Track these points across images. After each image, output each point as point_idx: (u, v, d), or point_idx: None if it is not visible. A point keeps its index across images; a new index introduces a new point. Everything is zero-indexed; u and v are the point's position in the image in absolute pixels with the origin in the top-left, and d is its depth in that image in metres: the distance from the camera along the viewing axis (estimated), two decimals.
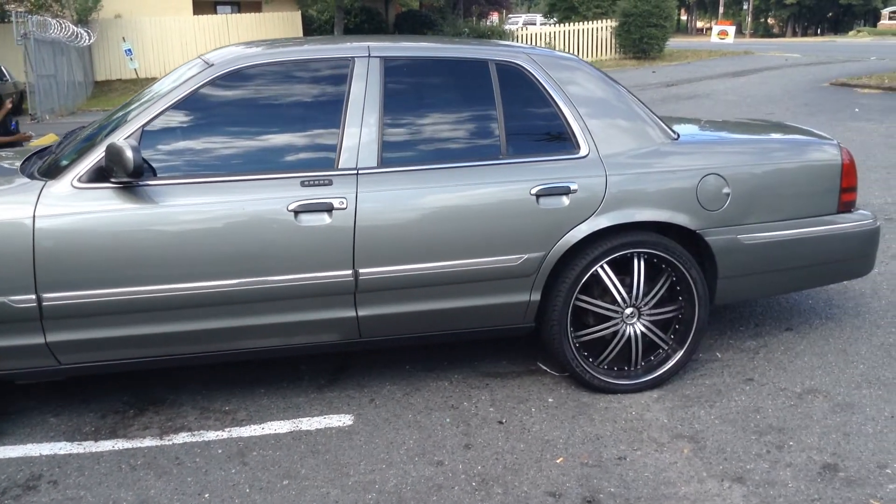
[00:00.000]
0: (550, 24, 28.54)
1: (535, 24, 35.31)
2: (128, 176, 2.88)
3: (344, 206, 3.14)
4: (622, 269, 3.48)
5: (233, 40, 23.38)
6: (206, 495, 2.78)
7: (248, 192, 3.10)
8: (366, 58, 3.35)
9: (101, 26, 25.51)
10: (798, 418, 3.23)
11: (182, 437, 3.18)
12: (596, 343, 3.53)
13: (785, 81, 15.71)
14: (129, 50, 23.52)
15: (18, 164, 3.49)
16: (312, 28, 28.06)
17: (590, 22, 25.94)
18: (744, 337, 4.07)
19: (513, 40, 25.00)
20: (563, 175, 3.35)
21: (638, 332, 3.51)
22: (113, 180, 2.95)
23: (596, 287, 3.47)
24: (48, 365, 3.07)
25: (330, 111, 3.28)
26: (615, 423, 3.28)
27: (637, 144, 3.50)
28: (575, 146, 3.43)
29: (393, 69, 3.37)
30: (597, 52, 25.43)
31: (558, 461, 3.00)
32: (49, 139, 8.25)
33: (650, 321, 3.53)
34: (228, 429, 3.24)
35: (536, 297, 3.41)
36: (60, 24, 19.74)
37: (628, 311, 3.49)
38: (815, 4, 64.39)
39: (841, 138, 9.35)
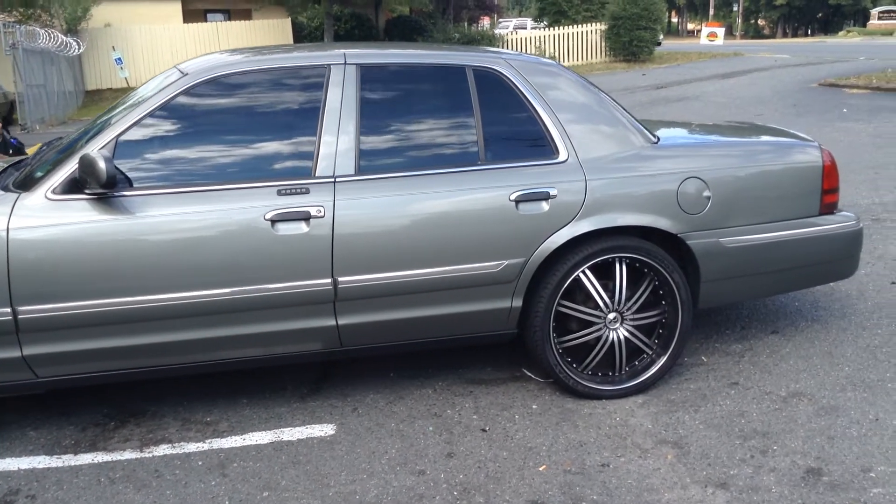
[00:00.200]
0: (540, 28, 28.59)
1: (525, 28, 35.35)
2: (101, 187, 2.86)
3: (321, 214, 3.11)
4: (604, 274, 3.46)
5: (223, 48, 23.35)
6: None
7: (224, 201, 3.08)
8: (342, 65, 3.34)
9: (90, 35, 25.48)
10: (782, 422, 3.22)
11: (162, 450, 3.14)
12: (580, 348, 3.51)
13: (774, 82, 15.74)
14: (120, 59, 23.48)
15: None
16: (303, 35, 28.05)
17: (579, 25, 25.99)
18: (729, 340, 4.05)
19: (502, 44, 25.04)
20: (543, 180, 3.34)
21: (621, 337, 3.50)
22: (87, 191, 2.93)
23: (578, 292, 3.46)
24: (25, 378, 3.04)
25: (306, 119, 3.26)
26: (599, 429, 3.26)
27: (617, 149, 3.48)
28: (554, 151, 3.41)
29: (369, 76, 3.36)
30: (587, 56, 25.49)
31: (541, 469, 2.97)
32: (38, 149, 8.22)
33: (633, 326, 3.51)
34: (209, 440, 3.21)
35: (518, 303, 3.39)
36: (49, 33, 19.68)
37: (611, 315, 3.47)
38: (805, 5, 64.66)
39: (829, 139, 9.44)
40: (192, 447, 3.16)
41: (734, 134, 4.23)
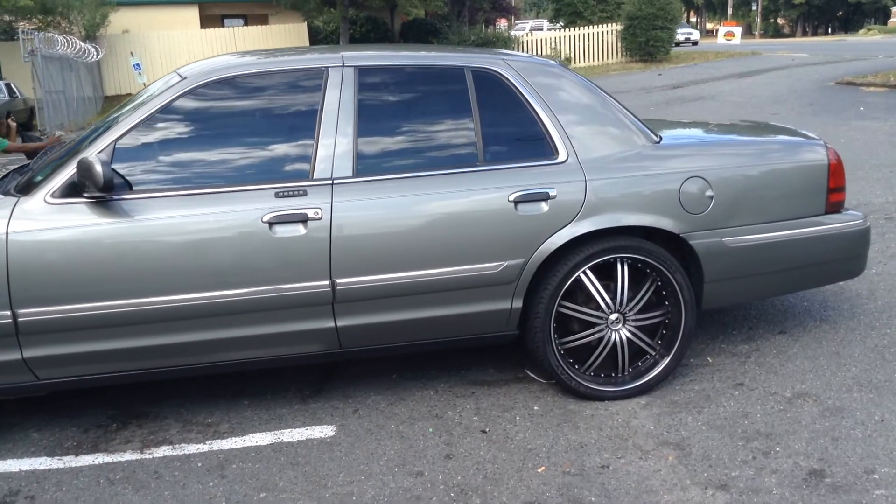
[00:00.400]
0: (556, 30, 28.53)
1: (541, 29, 35.29)
2: (99, 191, 2.88)
3: (319, 216, 3.12)
4: (606, 274, 3.44)
5: None
6: None
7: (222, 204, 3.09)
8: (339, 67, 3.34)
9: (109, 42, 25.74)
10: (786, 423, 3.18)
11: (163, 451, 3.16)
12: (581, 349, 3.49)
13: (791, 81, 15.59)
14: (138, 64, 23.69)
15: None
16: (319, 39, 28.19)
17: (595, 26, 25.90)
18: (736, 341, 4.01)
19: (518, 46, 25.02)
20: (542, 181, 3.32)
21: (623, 337, 3.47)
22: (86, 195, 2.94)
23: (579, 293, 3.43)
24: (26, 380, 3.06)
25: (304, 121, 3.26)
26: (600, 430, 3.23)
27: (617, 148, 3.46)
28: (553, 152, 3.39)
29: (367, 78, 3.36)
30: (603, 56, 25.40)
31: (540, 470, 2.96)
32: None
33: (636, 327, 3.48)
34: (210, 441, 3.22)
35: (518, 304, 3.37)
36: (68, 40, 19.91)
37: (613, 316, 3.45)
38: (825, 3, 64.09)
39: (845, 137, 9.34)
40: (192, 448, 3.17)
41: (738, 133, 4.18)
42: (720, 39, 31.47)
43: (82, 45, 21.36)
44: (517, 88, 3.45)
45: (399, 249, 3.20)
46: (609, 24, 25.61)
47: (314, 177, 3.19)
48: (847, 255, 3.73)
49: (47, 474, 3.01)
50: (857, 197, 6.60)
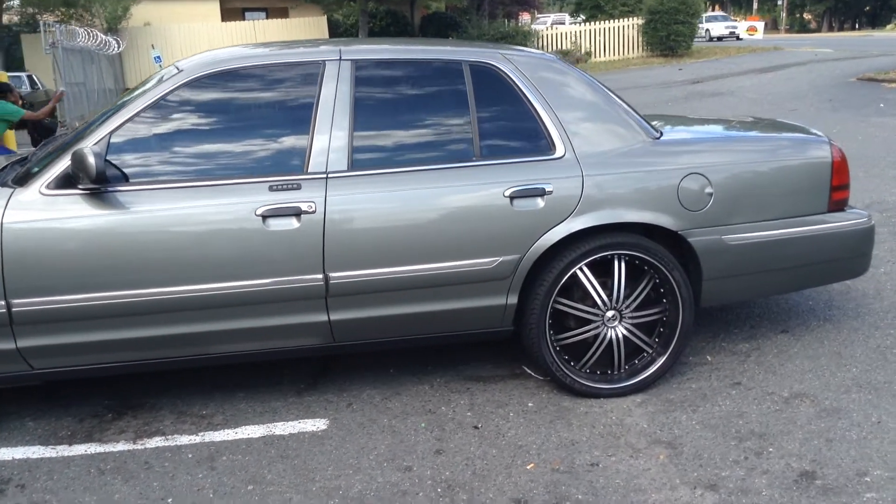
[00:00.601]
0: (577, 24, 28.36)
1: (563, 23, 35.09)
2: (91, 182, 2.90)
3: (312, 209, 3.11)
4: (603, 271, 3.41)
5: None
6: (170, 500, 2.78)
7: (216, 196, 3.09)
8: (336, 60, 3.33)
9: (130, 34, 25.96)
10: (781, 423, 3.14)
11: (155, 442, 3.18)
12: (577, 346, 3.46)
13: (812, 77, 15.39)
14: (159, 57, 23.85)
15: None
16: (339, 32, 28.24)
17: (616, 20, 25.72)
18: (737, 339, 3.97)
19: (538, 40, 24.91)
20: (538, 176, 3.30)
21: (620, 335, 3.44)
22: (80, 187, 2.96)
23: (576, 289, 3.41)
24: (20, 370, 3.09)
25: (300, 115, 3.26)
26: (593, 428, 3.21)
27: (616, 144, 3.43)
28: (550, 147, 3.37)
29: (364, 71, 3.35)
30: (624, 51, 25.23)
31: (529, 467, 2.94)
32: None
33: (632, 324, 3.45)
34: (202, 433, 3.23)
35: (513, 300, 3.36)
36: (89, 32, 20.08)
37: (609, 313, 3.42)
38: None
39: (863, 134, 9.21)
40: (184, 440, 3.18)
41: (740, 130, 4.13)
42: (742, 34, 31.21)
43: (103, 37, 21.54)
44: (515, 83, 3.42)
45: (393, 244, 3.20)
46: (630, 19, 25.41)
47: (309, 170, 3.19)
48: (850, 254, 3.67)
49: (39, 463, 3.04)
50: (870, 195, 6.51)
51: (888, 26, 51.71)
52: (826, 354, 3.71)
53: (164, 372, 3.59)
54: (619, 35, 25.30)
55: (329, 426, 3.27)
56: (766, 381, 3.50)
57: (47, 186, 3.02)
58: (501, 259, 3.27)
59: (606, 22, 25.83)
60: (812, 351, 3.75)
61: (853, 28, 66.15)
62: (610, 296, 3.40)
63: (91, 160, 2.84)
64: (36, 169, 3.14)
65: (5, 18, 25.74)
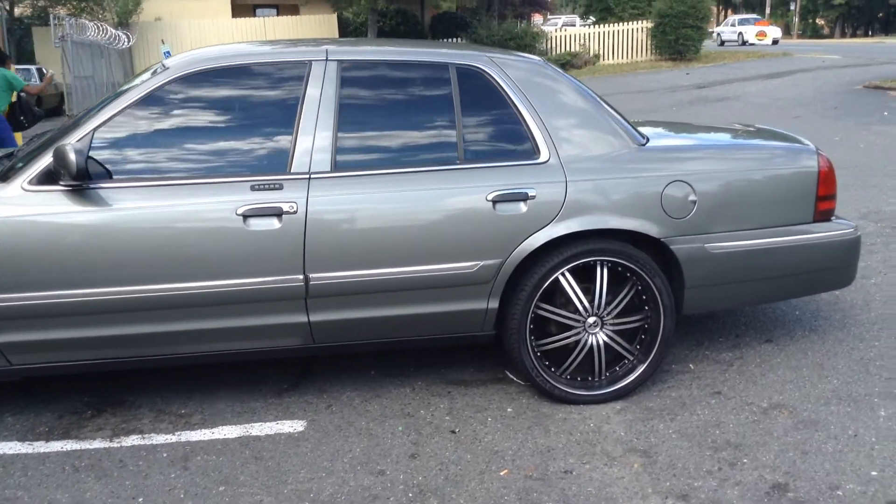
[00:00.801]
0: (587, 26, 28.30)
1: (574, 25, 35.01)
2: (72, 179, 2.91)
3: (294, 210, 3.12)
4: (585, 277, 3.40)
5: None
6: (140, 499, 2.79)
7: (197, 195, 3.10)
8: (323, 61, 3.33)
9: (141, 29, 26.03)
10: (758, 434, 3.12)
11: (132, 440, 3.19)
12: (558, 352, 3.46)
13: (818, 84, 15.33)
14: (168, 52, 23.86)
15: None
16: (349, 30, 28.27)
17: (626, 23, 25.64)
18: (721, 348, 3.95)
19: (546, 42, 24.86)
20: (522, 181, 3.29)
21: (601, 341, 3.43)
22: (62, 183, 2.98)
23: (558, 295, 3.40)
24: None
25: (284, 115, 3.26)
26: (570, 435, 3.20)
27: (601, 150, 3.42)
28: (535, 151, 3.36)
29: (350, 72, 3.35)
30: (632, 54, 25.14)
31: (502, 473, 2.94)
32: None
33: (614, 331, 3.44)
34: (179, 432, 3.24)
35: (494, 304, 3.35)
36: (99, 26, 20.17)
37: (591, 320, 3.41)
38: (865, 4, 62.80)
39: (865, 142, 9.17)
40: (160, 439, 3.19)
41: (727, 137, 4.12)
42: (751, 39, 31.08)
43: (114, 31, 21.63)
44: (501, 87, 3.42)
45: (374, 246, 3.20)
46: (639, 22, 25.31)
47: (291, 170, 3.19)
48: (835, 265, 3.65)
49: (15, 459, 3.05)
50: (867, 204, 6.48)
51: None
52: (808, 365, 3.69)
53: (139, 370, 3.60)
54: (628, 38, 25.20)
55: (306, 428, 3.27)
56: (746, 391, 3.48)
57: (29, 182, 3.03)
58: (483, 263, 3.27)
59: (616, 25, 25.74)
60: (795, 361, 3.74)
61: (866, 34, 65.83)
62: (591, 302, 3.40)
63: (72, 157, 2.85)
64: (20, 164, 3.16)
65: (17, 11, 25.85)
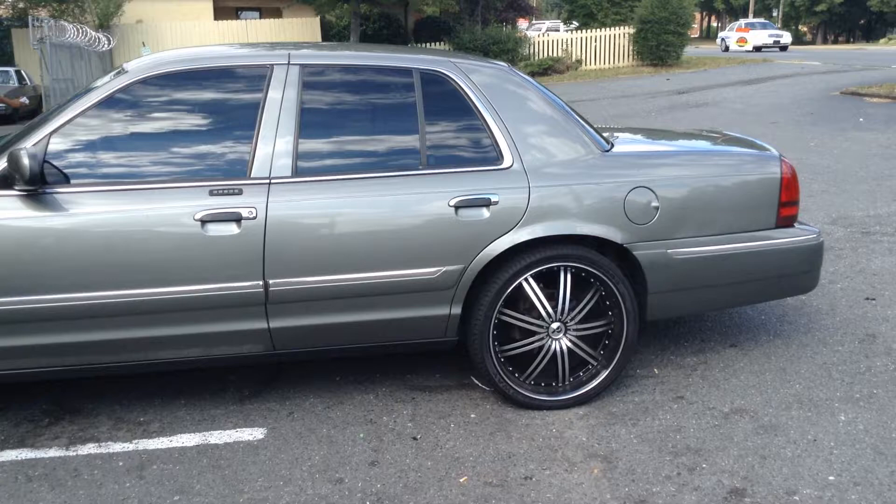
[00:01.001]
0: (570, 31, 28.39)
1: (558, 30, 35.10)
2: (25, 184, 2.87)
3: (253, 215, 3.09)
4: (549, 283, 3.40)
5: None
6: None
7: (155, 200, 3.07)
8: (285, 65, 3.31)
9: (122, 31, 25.87)
10: (718, 439, 3.13)
11: (88, 449, 3.14)
12: (523, 358, 3.45)
13: (796, 90, 15.43)
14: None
15: None
16: (331, 34, 28.21)
17: (608, 29, 25.75)
18: (686, 353, 3.96)
19: (529, 47, 24.91)
20: (484, 186, 3.28)
21: (564, 347, 3.43)
22: (16, 188, 2.94)
23: (521, 301, 3.40)
24: None
25: (245, 119, 3.24)
26: (532, 440, 3.19)
27: (564, 156, 3.42)
28: (498, 157, 3.35)
29: (313, 77, 3.33)
30: (614, 59, 25.24)
31: (462, 480, 2.92)
32: None
33: (577, 336, 3.44)
34: (137, 441, 3.20)
35: (457, 310, 3.34)
36: (79, 28, 20.02)
37: (554, 325, 3.41)
38: (846, 11, 63.37)
39: (839, 148, 9.25)
40: (117, 447, 3.15)
41: (692, 143, 4.13)
42: (733, 46, 31.28)
43: (93, 34, 21.47)
44: (465, 92, 3.41)
45: (335, 251, 3.18)
46: (621, 28, 25.43)
47: (251, 175, 3.16)
48: (797, 271, 3.67)
49: None
50: (837, 209, 6.52)
51: (881, 40, 51.92)
52: (771, 370, 3.70)
53: (105, 377, 3.55)
54: (610, 43, 25.30)
55: (266, 435, 3.24)
56: (708, 396, 3.49)
57: None
58: (445, 269, 3.25)
59: (598, 30, 25.84)
60: (758, 366, 3.75)
61: (848, 41, 66.43)
62: (555, 308, 3.39)
63: (25, 161, 2.82)
64: None
65: None
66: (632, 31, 24.56)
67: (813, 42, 68.77)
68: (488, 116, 3.39)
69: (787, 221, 3.61)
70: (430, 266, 3.25)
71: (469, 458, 3.07)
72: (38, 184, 2.93)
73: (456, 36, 24.77)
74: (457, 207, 3.24)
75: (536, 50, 25.41)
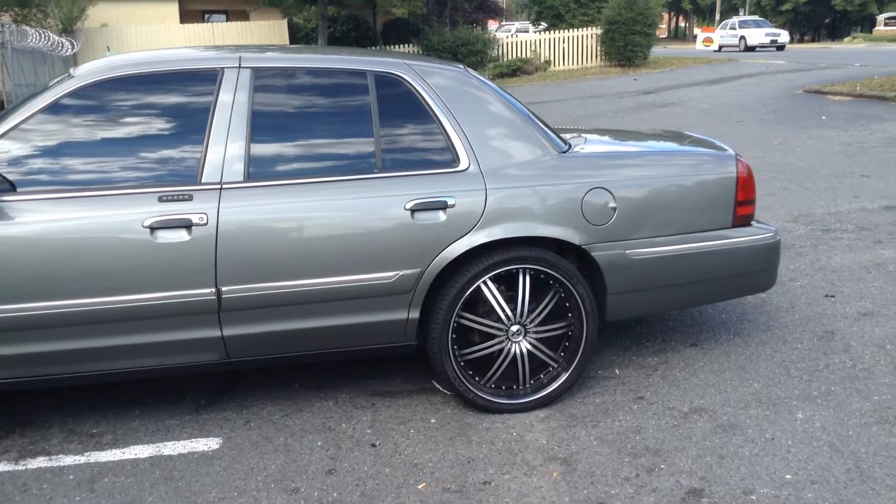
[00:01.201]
0: (539, 32, 28.48)
1: (527, 31, 35.19)
2: None
3: (204, 221, 3.04)
4: (508, 285, 3.38)
5: None
6: None
7: (103, 207, 3.01)
8: (236, 68, 3.26)
9: (86, 35, 25.54)
10: (677, 439, 3.12)
11: (38, 462, 3.07)
12: (483, 361, 3.43)
13: (761, 89, 15.58)
14: None
15: None
16: (299, 36, 28.05)
17: (576, 30, 25.86)
18: (647, 353, 3.96)
19: (498, 48, 24.94)
20: (441, 189, 3.25)
21: (524, 350, 3.41)
22: None
23: (480, 304, 3.37)
24: None
25: (195, 123, 3.18)
26: (492, 444, 3.17)
27: (521, 158, 3.40)
28: (454, 159, 3.33)
29: (265, 80, 3.28)
30: (582, 60, 25.35)
31: (420, 487, 2.89)
32: None
33: (537, 339, 3.42)
34: (88, 453, 3.14)
35: (415, 314, 3.31)
36: (41, 33, 19.72)
37: (514, 328, 3.39)
38: (811, 11, 64.27)
39: (802, 146, 9.33)
40: (68, 460, 3.08)
41: (649, 143, 4.14)
42: (698, 45, 31.56)
43: (57, 38, 21.17)
44: (420, 94, 3.38)
45: (289, 257, 3.13)
46: (589, 29, 25.55)
47: (202, 181, 3.11)
48: (755, 269, 3.68)
49: None
50: (799, 207, 6.58)
51: (846, 39, 52.67)
52: (731, 368, 3.71)
53: (57, 388, 3.48)
54: (579, 44, 25.42)
55: (221, 445, 3.19)
56: (668, 396, 3.48)
57: None
58: (402, 273, 3.22)
59: (566, 31, 25.95)
60: (718, 365, 3.76)
61: (814, 40, 67.35)
62: (514, 310, 3.37)
63: None
64: None
65: None
66: (599, 31, 24.69)
67: None
68: (444, 119, 3.36)
69: (743, 220, 3.62)
70: (386, 270, 3.21)
71: (428, 463, 3.04)
72: None
73: (425, 38, 24.74)
74: (413, 211, 3.21)
75: (505, 51, 25.46)
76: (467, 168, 3.32)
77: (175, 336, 3.11)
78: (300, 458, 3.09)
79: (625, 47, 23.42)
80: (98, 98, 3.16)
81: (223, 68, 3.26)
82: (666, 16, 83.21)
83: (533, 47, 25.68)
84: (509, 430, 3.28)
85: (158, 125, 3.21)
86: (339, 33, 27.36)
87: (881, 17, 51.41)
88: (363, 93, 3.35)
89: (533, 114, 3.64)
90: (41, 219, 2.96)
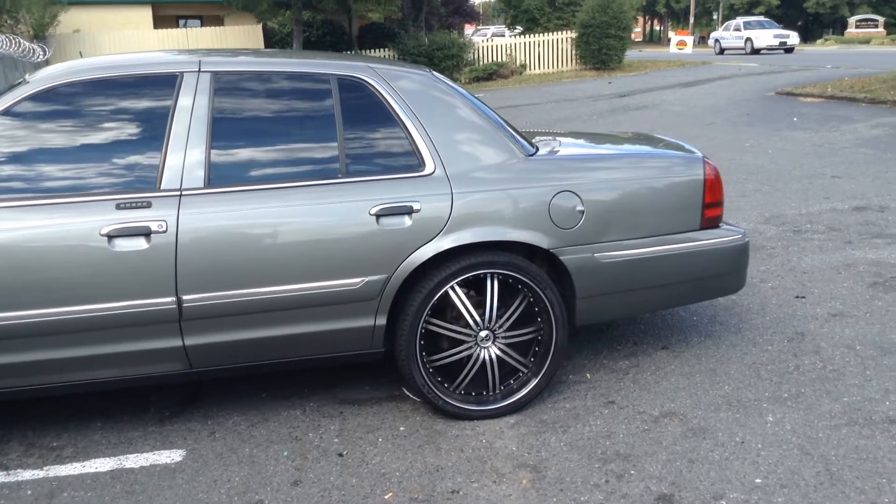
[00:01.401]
0: (514, 36, 28.54)
1: (503, 35, 35.23)
2: None
3: (163, 229, 2.97)
4: (477, 290, 3.34)
5: None
6: None
7: (58, 215, 2.94)
8: (195, 72, 3.20)
9: (59, 41, 25.27)
10: (647, 444, 3.10)
11: None
12: (452, 367, 3.38)
13: (733, 91, 15.69)
14: None
15: None
16: (274, 41, 27.88)
17: (551, 34, 25.94)
18: (618, 356, 3.93)
19: (473, 52, 24.95)
20: (406, 194, 3.21)
21: (493, 355, 3.37)
22: None
23: (448, 309, 3.33)
24: None
25: (154, 129, 3.12)
26: (462, 452, 3.12)
27: (488, 161, 3.36)
28: (420, 164, 3.28)
29: (225, 84, 3.22)
30: (558, 63, 25.43)
31: (387, 497, 2.84)
32: None
33: (506, 344, 3.39)
34: (48, 467, 3.06)
35: (382, 321, 3.26)
36: (12, 39, 19.46)
37: (483, 333, 3.35)
38: (784, 14, 64.97)
39: (773, 148, 9.39)
40: (27, 475, 3.00)
41: (616, 146, 4.12)
42: (672, 49, 31.72)
43: (28, 44, 20.90)
44: (384, 98, 3.33)
45: (252, 264, 3.07)
46: (564, 32, 25.64)
47: (161, 187, 3.04)
48: (724, 271, 3.67)
49: None
50: (771, 208, 6.60)
51: (818, 41, 53.28)
52: (702, 371, 3.69)
53: (16, 401, 3.39)
54: (554, 48, 25.49)
55: (185, 457, 3.12)
56: (639, 400, 3.46)
57: None
58: (367, 279, 3.17)
59: (541, 35, 26.02)
60: (688, 368, 3.74)
61: None
62: (483, 315, 3.33)
63: None
64: None
65: None
66: (574, 35, 24.77)
67: None
68: (409, 123, 3.32)
69: (711, 223, 3.61)
70: (352, 277, 3.16)
71: (396, 473, 2.99)
72: None
73: (401, 42, 24.71)
74: (378, 216, 3.16)
75: (481, 55, 25.47)
76: (433, 172, 3.28)
77: (136, 346, 3.04)
78: (265, 470, 3.03)
79: (599, 51, 23.52)
80: (53, 103, 3.09)
81: (182, 73, 3.20)
82: (640, 19, 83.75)
83: (508, 51, 25.71)
84: (479, 436, 3.24)
85: (116, 131, 3.15)
86: (315, 38, 27.24)
87: (852, 20, 52.10)
88: (326, 97, 3.30)
89: (500, 117, 3.61)
90: None
